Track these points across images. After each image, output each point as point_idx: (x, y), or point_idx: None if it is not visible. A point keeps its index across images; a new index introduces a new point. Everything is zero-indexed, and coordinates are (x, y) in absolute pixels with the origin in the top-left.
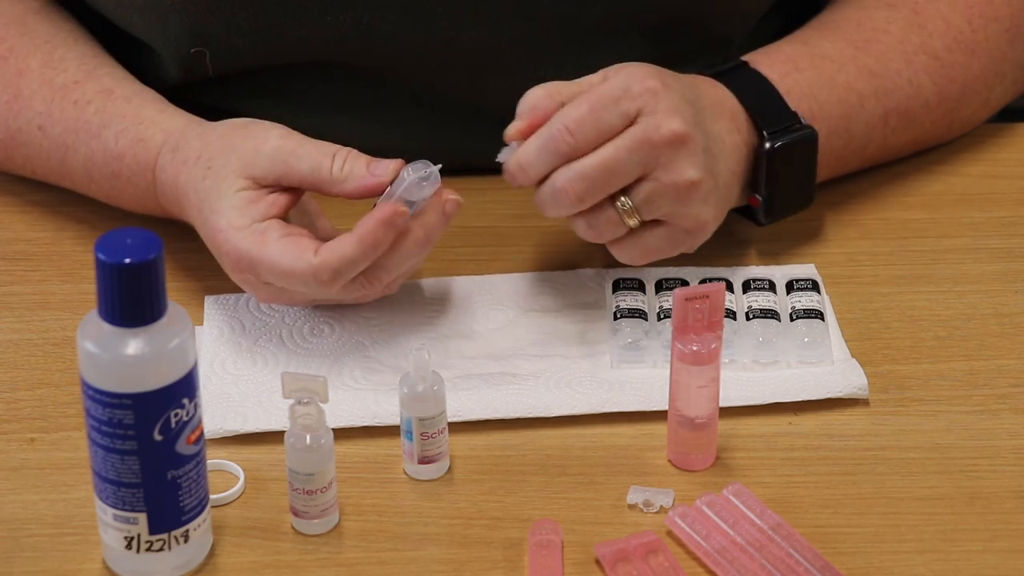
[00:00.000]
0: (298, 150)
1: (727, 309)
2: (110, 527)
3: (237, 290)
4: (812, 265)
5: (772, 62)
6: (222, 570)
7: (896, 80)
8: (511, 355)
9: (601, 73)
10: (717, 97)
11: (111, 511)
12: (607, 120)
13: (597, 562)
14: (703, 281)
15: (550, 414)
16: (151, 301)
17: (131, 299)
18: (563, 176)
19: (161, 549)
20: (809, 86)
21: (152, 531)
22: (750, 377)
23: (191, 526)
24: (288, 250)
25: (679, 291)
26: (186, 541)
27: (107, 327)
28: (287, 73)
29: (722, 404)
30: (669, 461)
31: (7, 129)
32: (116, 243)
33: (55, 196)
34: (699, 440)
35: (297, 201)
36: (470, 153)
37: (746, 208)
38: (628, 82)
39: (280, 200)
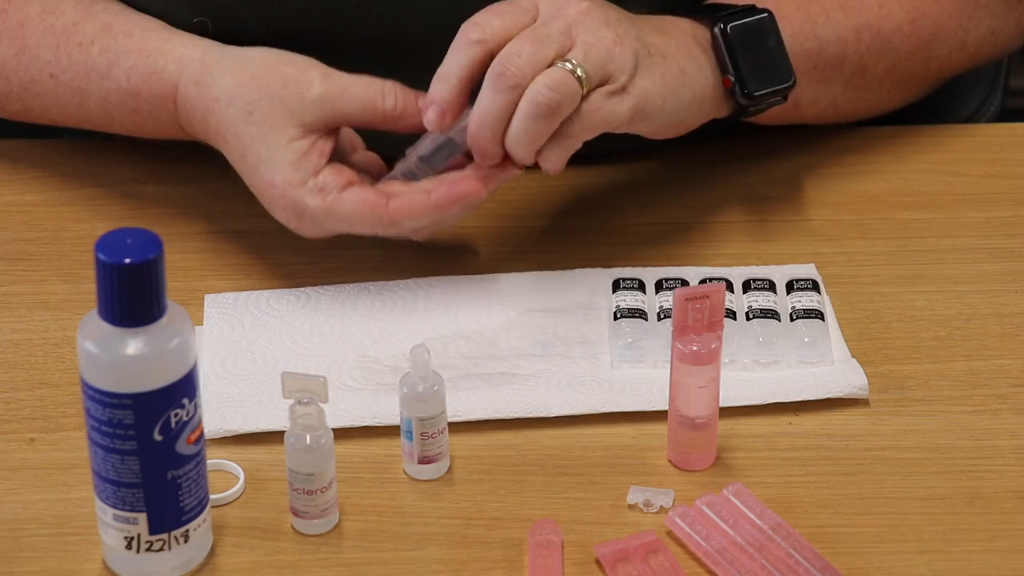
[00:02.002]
0: (344, 92)
1: (727, 309)
2: (110, 527)
3: (237, 290)
4: (812, 265)
5: None
6: (222, 570)
7: (865, 0)
8: (511, 355)
9: None
10: (662, 21)
11: (111, 511)
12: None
13: (597, 562)
14: (703, 281)
15: (550, 414)
16: (151, 301)
17: (131, 299)
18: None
19: (161, 549)
20: None
21: (152, 531)
22: (750, 377)
23: (191, 526)
24: (358, 205)
25: (679, 291)
26: (186, 541)
27: (107, 327)
28: (290, 42)
29: (722, 404)
30: (669, 461)
31: (20, 82)
32: (116, 243)
33: (55, 196)
34: (699, 440)
35: (337, 137)
36: None
37: (735, 108)
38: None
39: (327, 145)
